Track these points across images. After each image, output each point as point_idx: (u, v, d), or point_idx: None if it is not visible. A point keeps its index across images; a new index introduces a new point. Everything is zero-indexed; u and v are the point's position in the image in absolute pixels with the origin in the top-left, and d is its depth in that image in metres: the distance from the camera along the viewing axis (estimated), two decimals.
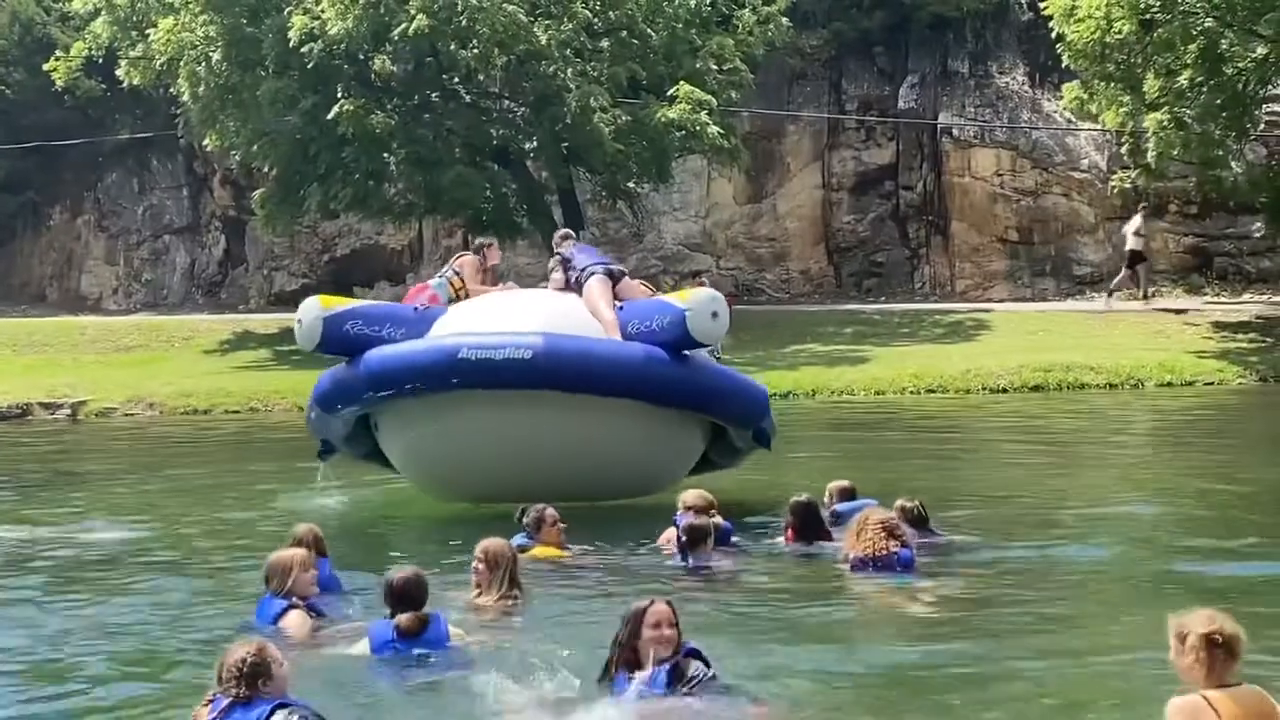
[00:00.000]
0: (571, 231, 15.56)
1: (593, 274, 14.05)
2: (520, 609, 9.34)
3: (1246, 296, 35.71)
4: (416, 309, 14.20)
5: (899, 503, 11.57)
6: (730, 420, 14.08)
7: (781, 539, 11.45)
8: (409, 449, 14.52)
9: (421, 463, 14.63)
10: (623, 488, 14.00)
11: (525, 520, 11.32)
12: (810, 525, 11.30)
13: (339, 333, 13.79)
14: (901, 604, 9.86)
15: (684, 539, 10.87)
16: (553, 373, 12.97)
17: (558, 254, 14.80)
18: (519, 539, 11.11)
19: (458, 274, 14.81)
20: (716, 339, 13.91)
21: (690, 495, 11.75)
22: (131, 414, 27.43)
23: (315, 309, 13.99)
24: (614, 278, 14.16)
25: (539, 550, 11.20)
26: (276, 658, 6.42)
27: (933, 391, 27.10)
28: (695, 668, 7.15)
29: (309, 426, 15.09)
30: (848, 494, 12.40)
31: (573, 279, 14.25)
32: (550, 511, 11.39)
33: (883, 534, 10.42)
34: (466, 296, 14.70)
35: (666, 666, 7.16)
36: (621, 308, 13.81)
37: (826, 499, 12.34)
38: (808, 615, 9.71)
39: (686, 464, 14.54)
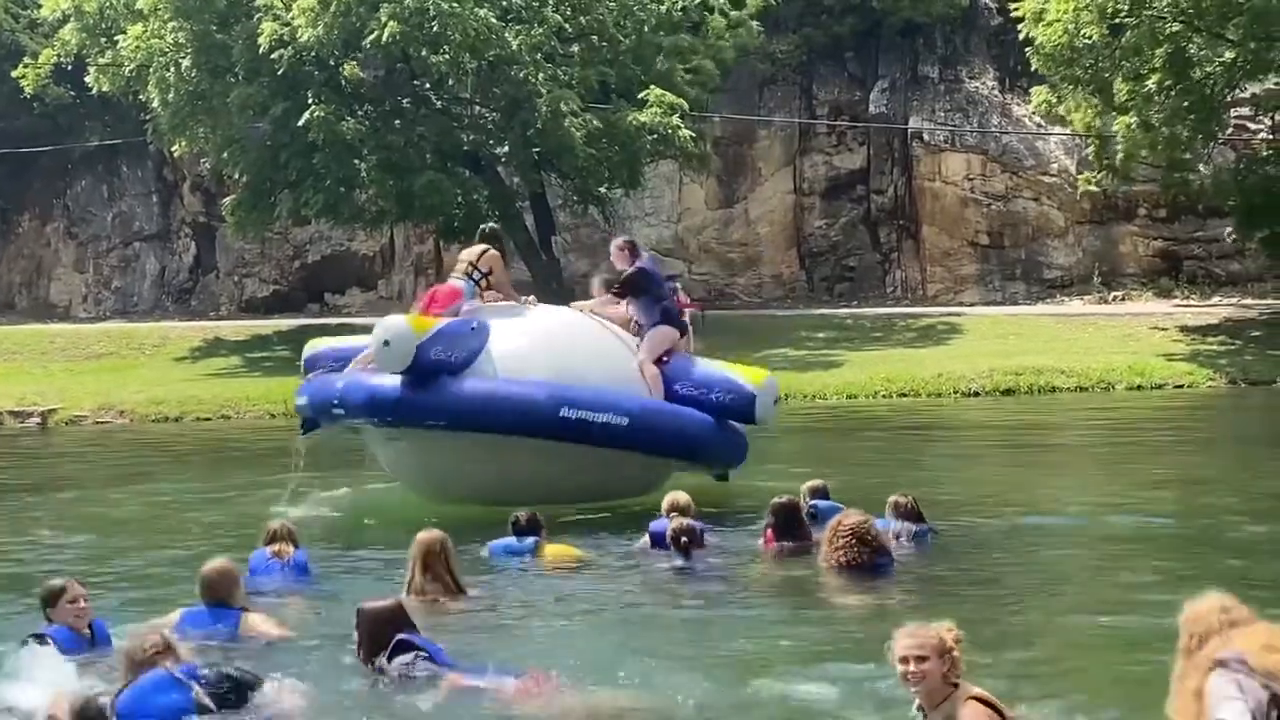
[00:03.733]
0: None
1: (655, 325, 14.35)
2: (448, 606, 9.44)
3: (1216, 299, 35.93)
4: (474, 327, 13.76)
5: (893, 498, 11.60)
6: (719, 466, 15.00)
7: (760, 540, 11.45)
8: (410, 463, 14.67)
9: (408, 471, 14.81)
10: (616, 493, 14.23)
11: (521, 523, 11.33)
12: (790, 526, 11.30)
13: (427, 360, 13.26)
14: (882, 597, 9.91)
15: (681, 539, 10.90)
16: (638, 440, 13.54)
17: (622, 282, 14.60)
18: (515, 542, 11.21)
19: (485, 275, 14.47)
20: (771, 420, 14.61)
21: (671, 498, 11.80)
22: (102, 422, 27.26)
23: (408, 334, 13.25)
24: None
25: (556, 549, 11.25)
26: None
27: (905, 395, 27.17)
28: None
29: (301, 407, 14.77)
30: (820, 493, 12.43)
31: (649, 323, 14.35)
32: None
33: (854, 542, 10.29)
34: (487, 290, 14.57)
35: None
36: (668, 362, 14.18)
37: (802, 500, 12.34)
38: (790, 611, 9.77)
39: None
